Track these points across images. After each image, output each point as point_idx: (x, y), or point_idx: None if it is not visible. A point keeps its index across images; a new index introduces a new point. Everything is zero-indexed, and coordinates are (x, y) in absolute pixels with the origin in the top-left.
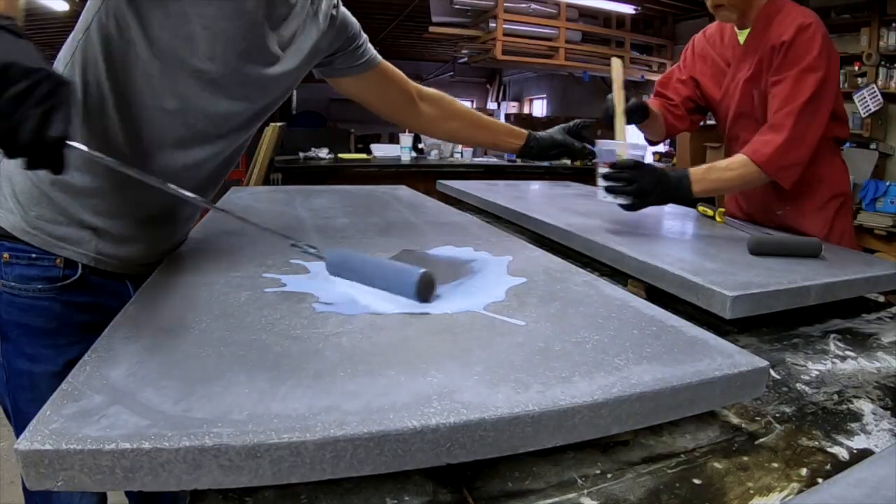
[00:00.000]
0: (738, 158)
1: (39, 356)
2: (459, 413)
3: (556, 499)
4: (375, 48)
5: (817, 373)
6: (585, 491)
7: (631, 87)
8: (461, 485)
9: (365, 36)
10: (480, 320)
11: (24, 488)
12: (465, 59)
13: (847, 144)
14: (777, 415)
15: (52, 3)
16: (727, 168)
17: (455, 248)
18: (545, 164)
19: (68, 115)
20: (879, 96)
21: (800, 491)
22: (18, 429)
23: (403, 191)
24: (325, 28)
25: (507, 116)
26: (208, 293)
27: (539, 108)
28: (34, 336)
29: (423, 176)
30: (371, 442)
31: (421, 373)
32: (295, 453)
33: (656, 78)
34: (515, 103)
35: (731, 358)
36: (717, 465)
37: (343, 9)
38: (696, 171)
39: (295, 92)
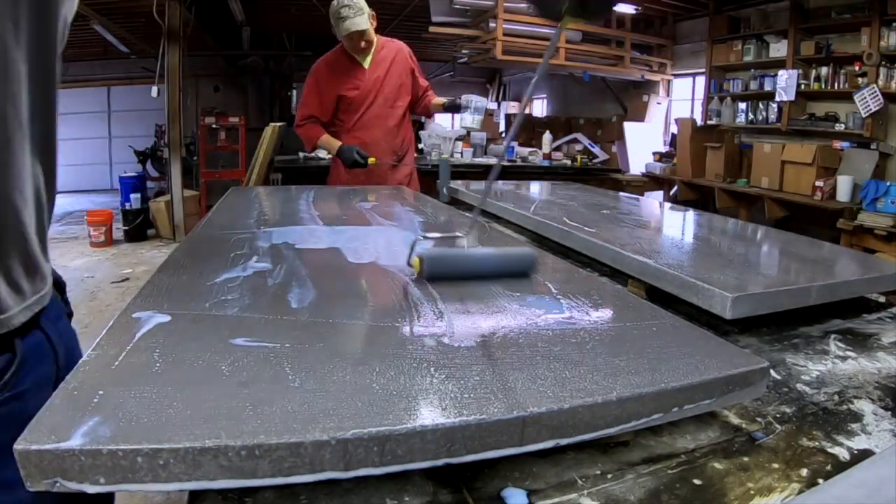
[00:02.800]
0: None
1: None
2: (459, 413)
3: (556, 499)
4: None
5: (818, 373)
6: (585, 491)
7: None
8: (461, 485)
9: None
10: (478, 320)
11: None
12: (465, 59)
13: (847, 144)
14: (777, 415)
15: None
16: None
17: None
18: (545, 163)
19: None
20: (880, 96)
21: (800, 491)
22: None
23: (403, 191)
24: None
25: (508, 116)
26: (206, 292)
27: (539, 108)
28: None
29: (422, 176)
30: (371, 442)
31: (421, 373)
32: (295, 453)
33: (656, 78)
34: (515, 103)
35: (731, 358)
36: (717, 465)
37: None
38: None
39: (295, 92)
